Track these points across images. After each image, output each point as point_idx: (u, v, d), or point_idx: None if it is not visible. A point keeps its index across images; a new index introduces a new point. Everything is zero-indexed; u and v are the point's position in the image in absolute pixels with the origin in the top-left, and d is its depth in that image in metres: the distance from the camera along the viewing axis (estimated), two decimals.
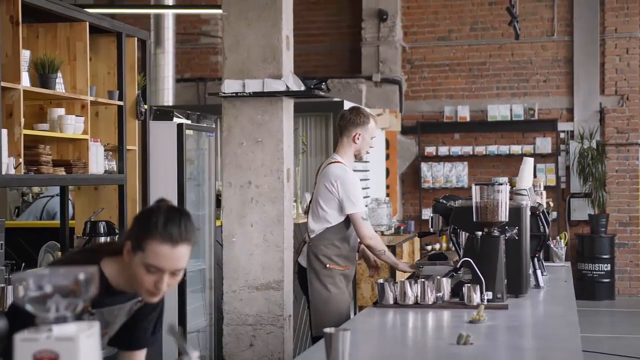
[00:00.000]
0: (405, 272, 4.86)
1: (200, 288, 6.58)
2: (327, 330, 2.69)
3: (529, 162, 5.55)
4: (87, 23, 5.05)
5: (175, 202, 5.92)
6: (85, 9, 5.23)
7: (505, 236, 4.34)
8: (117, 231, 5.38)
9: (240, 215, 5.34)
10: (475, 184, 4.33)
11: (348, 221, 4.99)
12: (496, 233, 4.28)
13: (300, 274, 5.14)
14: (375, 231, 9.40)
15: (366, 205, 9.11)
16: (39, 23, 5.04)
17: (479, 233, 4.26)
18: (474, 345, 3.18)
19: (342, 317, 4.77)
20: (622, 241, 12.18)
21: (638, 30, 12.21)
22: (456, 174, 12.47)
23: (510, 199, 5.10)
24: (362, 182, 9.53)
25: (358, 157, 5.14)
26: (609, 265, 11.87)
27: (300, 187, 8.35)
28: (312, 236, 5.02)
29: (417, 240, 10.36)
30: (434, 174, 12.54)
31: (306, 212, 7.96)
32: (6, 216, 8.54)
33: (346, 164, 5.03)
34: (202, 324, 6.53)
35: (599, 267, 11.85)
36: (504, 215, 4.27)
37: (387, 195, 11.75)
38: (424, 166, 12.55)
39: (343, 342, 2.67)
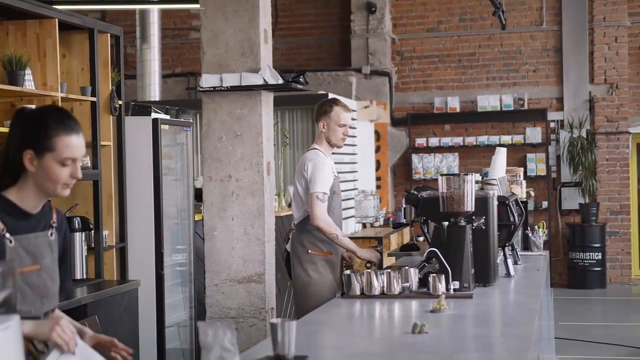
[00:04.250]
0: (364, 259, 5.01)
1: (180, 282, 6.60)
2: (273, 320, 2.72)
3: (501, 152, 5.57)
4: (57, 20, 5.06)
5: (152, 197, 6.01)
6: (56, 6, 5.23)
7: (472, 226, 4.36)
8: (91, 227, 5.41)
9: (221, 209, 5.36)
10: (441, 175, 4.36)
11: (328, 207, 5.06)
12: (463, 223, 4.29)
13: (288, 260, 5.21)
14: (364, 223, 9.53)
15: (351, 198, 9.12)
16: (9, 21, 5.05)
17: (445, 223, 4.28)
18: (429, 334, 3.21)
19: (323, 302, 4.78)
20: (613, 229, 12.18)
21: (626, 19, 12.19)
22: (447, 165, 12.47)
23: (482, 188, 5.14)
24: (349, 174, 9.60)
25: (333, 145, 5.20)
26: (600, 253, 11.87)
27: (284, 180, 8.36)
28: (295, 223, 5.14)
29: (407, 231, 10.37)
30: (425, 165, 12.54)
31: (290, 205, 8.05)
32: None
33: (322, 151, 5.13)
34: (183, 318, 6.56)
35: (590, 255, 11.85)
36: (470, 205, 4.29)
37: (378, 187, 11.78)
38: (415, 158, 12.55)
39: (289, 332, 2.70)
